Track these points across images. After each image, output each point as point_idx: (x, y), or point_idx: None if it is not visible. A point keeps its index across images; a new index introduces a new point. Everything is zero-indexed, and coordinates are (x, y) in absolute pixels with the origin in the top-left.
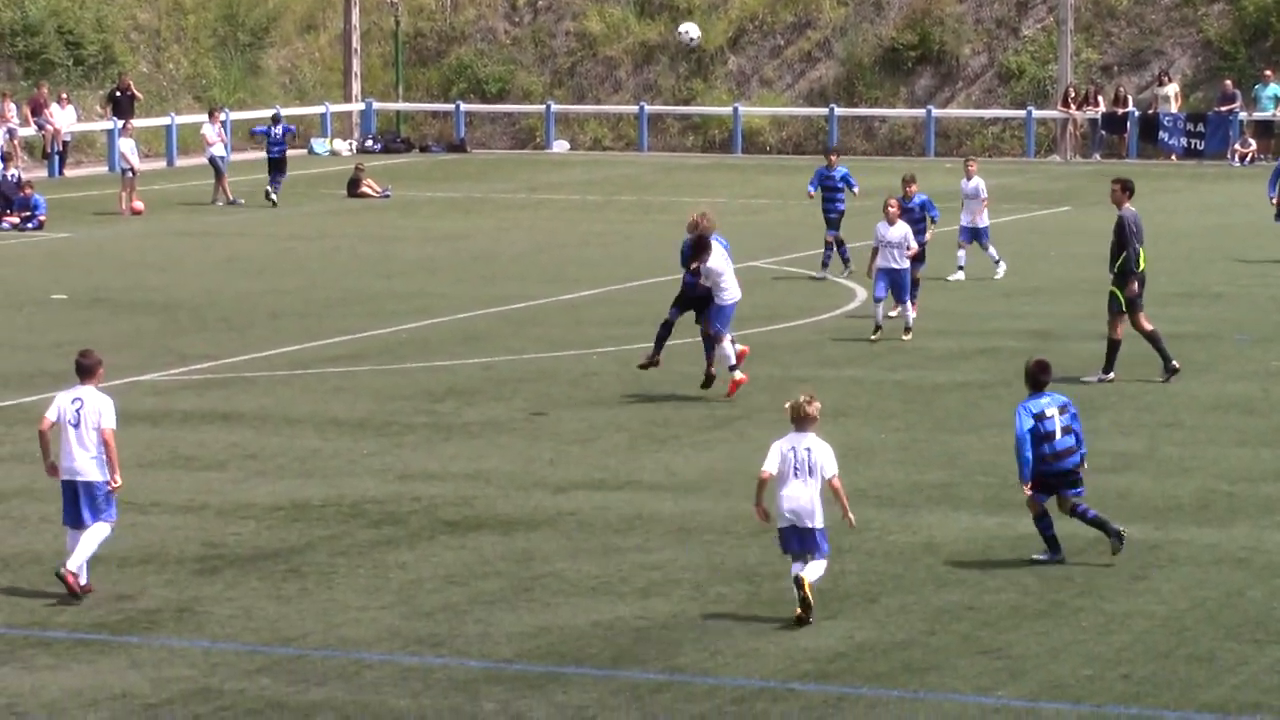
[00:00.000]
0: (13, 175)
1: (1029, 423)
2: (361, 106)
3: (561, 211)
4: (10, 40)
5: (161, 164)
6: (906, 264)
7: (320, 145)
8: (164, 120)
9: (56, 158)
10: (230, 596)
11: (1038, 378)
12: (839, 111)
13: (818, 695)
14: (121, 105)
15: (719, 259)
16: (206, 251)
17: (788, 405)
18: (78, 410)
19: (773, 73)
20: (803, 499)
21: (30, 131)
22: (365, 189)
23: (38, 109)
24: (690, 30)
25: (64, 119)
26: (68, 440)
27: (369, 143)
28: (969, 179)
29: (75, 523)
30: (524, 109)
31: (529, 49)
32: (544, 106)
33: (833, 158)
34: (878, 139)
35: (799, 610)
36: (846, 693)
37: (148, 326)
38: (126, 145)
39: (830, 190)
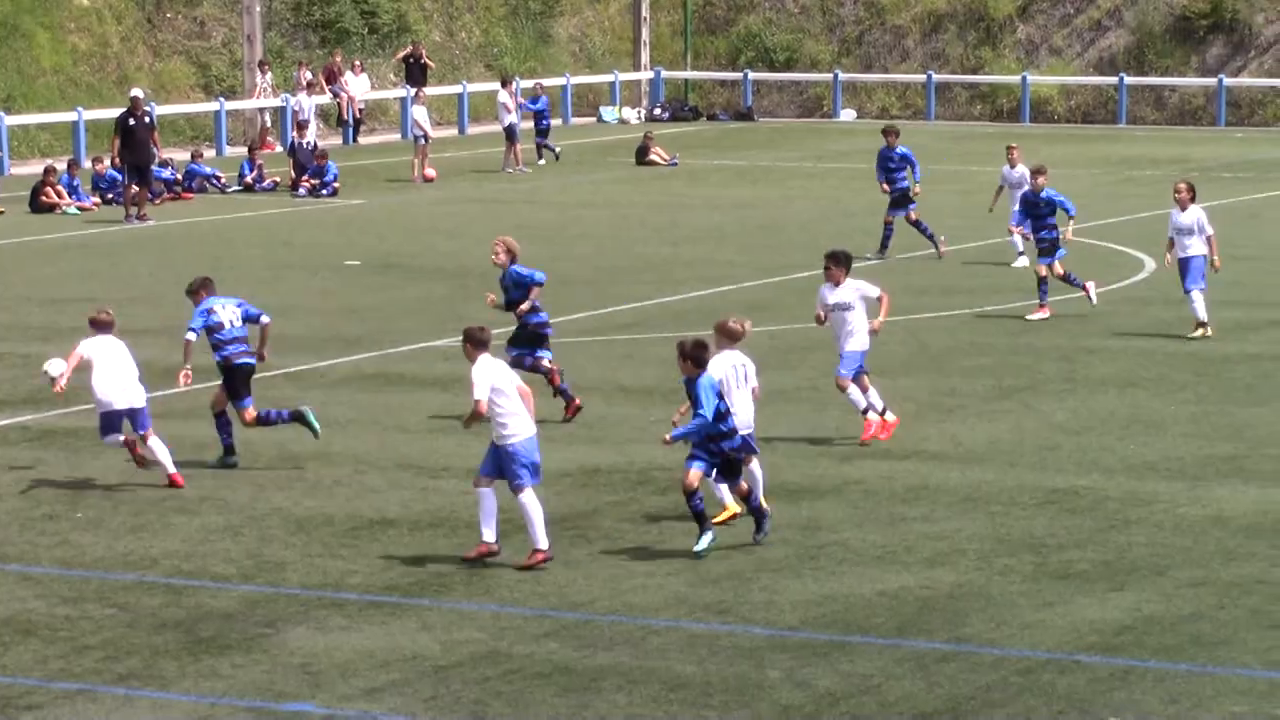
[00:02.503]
0: (308, 143)
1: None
2: (650, 75)
3: (848, 180)
4: (307, 9)
5: (453, 131)
6: (1201, 250)
7: (609, 113)
8: (456, 88)
9: (351, 125)
10: (519, 561)
11: (703, 358)
12: (1128, 80)
13: (1104, 668)
14: (414, 73)
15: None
16: (496, 219)
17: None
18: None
19: (1062, 41)
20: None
21: (325, 99)
22: (653, 157)
23: (332, 77)
24: (51, 369)
25: (358, 87)
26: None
27: (657, 111)
28: (1012, 167)
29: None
30: (811, 77)
31: (817, 17)
32: (831, 75)
33: (892, 138)
34: (1168, 108)
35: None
36: (1133, 665)
37: (438, 293)
38: (420, 113)
39: (890, 171)
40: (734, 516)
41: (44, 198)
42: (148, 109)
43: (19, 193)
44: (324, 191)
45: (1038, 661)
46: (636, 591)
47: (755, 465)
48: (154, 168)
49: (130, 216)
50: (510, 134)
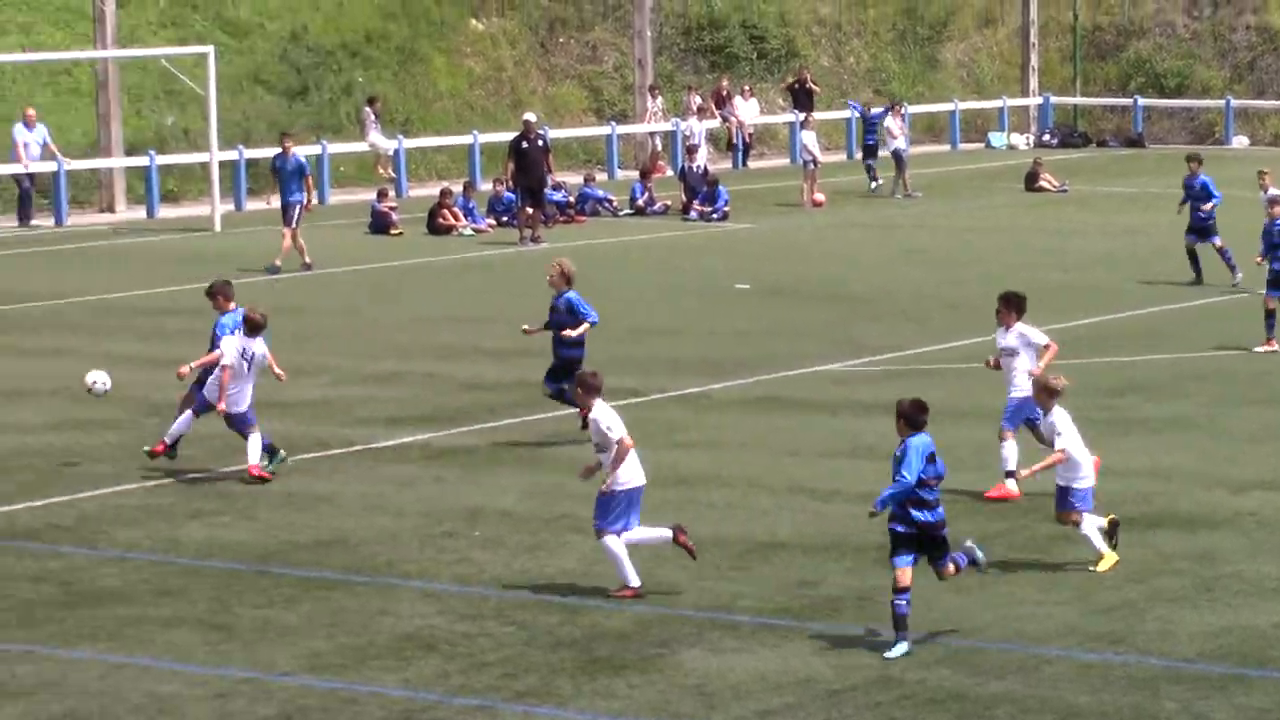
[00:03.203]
0: (698, 167)
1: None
2: (1039, 101)
3: (1242, 208)
4: (697, 34)
5: (841, 156)
6: None
7: (997, 139)
8: (844, 114)
9: (740, 149)
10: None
11: (919, 419)
12: None
13: None
14: (800, 99)
15: None
16: (884, 243)
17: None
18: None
19: None
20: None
21: (715, 124)
22: (1043, 183)
23: (721, 102)
24: (97, 382)
25: (747, 112)
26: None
27: (1046, 137)
28: (1264, 192)
29: None
30: (1203, 103)
31: (1208, 43)
32: (1223, 101)
33: (1194, 165)
34: None
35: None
36: None
37: (827, 316)
38: (808, 138)
39: (1192, 200)
40: (1115, 564)
41: (440, 219)
42: (541, 132)
43: (417, 214)
44: (714, 215)
45: None
46: (1027, 620)
47: (1088, 522)
48: (547, 190)
49: (524, 239)
50: (898, 159)
